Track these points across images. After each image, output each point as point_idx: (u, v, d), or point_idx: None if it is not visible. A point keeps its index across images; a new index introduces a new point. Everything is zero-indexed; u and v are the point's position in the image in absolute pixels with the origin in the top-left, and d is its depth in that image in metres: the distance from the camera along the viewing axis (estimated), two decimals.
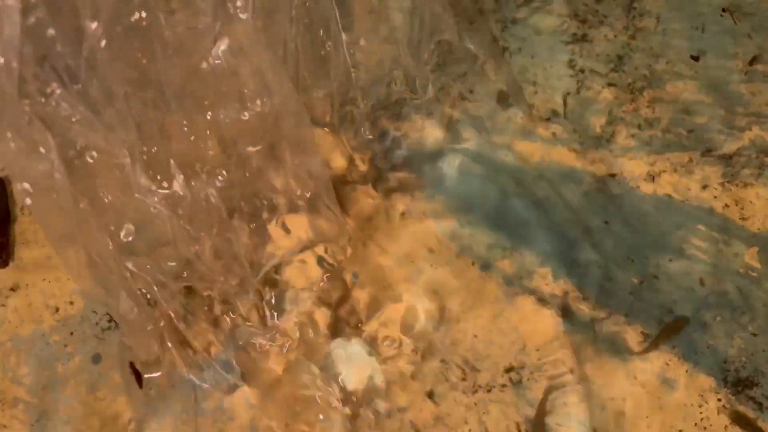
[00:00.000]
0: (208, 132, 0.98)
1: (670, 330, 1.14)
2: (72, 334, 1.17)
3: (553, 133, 1.24)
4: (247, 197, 1.10)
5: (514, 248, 1.21)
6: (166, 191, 0.95)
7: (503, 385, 1.12)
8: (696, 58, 1.18)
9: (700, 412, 1.10)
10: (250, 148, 1.02)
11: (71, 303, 1.18)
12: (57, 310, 1.18)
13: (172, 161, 0.94)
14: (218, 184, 1.01)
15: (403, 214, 1.24)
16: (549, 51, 1.24)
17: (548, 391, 1.12)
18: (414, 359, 1.13)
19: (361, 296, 1.18)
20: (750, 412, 1.10)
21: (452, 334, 1.15)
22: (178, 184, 0.95)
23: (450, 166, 1.25)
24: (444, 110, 1.26)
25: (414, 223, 1.23)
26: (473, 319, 1.16)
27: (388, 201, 1.25)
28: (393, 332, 1.15)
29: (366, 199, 1.24)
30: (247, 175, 1.05)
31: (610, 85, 1.22)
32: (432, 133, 1.29)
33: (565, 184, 1.21)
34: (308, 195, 1.12)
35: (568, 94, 1.24)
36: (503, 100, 1.20)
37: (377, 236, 1.22)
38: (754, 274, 1.18)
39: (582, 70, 1.22)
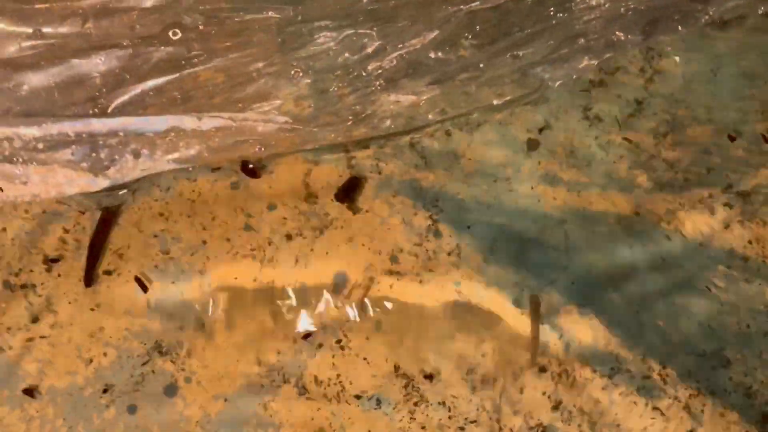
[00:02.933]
0: None
1: None
2: (107, 384, 1.19)
3: (575, 178, 1.26)
4: None
5: (540, 290, 1.22)
6: None
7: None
8: (732, 139, 1.21)
9: None
10: None
11: (105, 354, 1.20)
12: (91, 361, 1.20)
13: None
14: None
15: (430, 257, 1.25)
16: (568, 96, 1.26)
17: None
18: None
19: None
20: None
21: None
22: None
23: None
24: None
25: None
26: None
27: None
28: None
29: None
30: None
31: (629, 128, 1.25)
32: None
33: (587, 227, 1.23)
34: None
35: (589, 137, 1.26)
36: (533, 147, 1.22)
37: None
38: None
39: (599, 117, 1.24)
